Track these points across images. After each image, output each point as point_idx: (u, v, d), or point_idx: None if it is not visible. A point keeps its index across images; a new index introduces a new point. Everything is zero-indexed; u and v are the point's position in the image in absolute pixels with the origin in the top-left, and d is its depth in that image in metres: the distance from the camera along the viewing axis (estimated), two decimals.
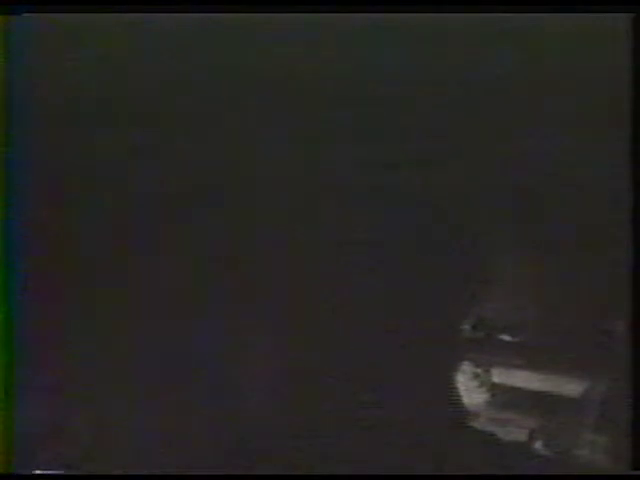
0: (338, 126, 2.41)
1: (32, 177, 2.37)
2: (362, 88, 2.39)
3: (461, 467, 2.22)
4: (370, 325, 2.41)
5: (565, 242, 2.35)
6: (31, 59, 2.35)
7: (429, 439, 2.29)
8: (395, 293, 2.43)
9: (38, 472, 2.30)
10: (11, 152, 2.30)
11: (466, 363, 2.45)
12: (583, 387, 2.32)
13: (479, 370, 2.44)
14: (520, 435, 2.36)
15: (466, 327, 2.46)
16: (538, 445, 2.35)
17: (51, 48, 2.40)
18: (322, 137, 2.43)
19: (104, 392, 2.43)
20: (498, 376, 2.43)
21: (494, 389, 2.43)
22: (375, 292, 2.44)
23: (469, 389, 2.44)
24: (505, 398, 2.42)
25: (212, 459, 2.31)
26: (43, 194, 2.42)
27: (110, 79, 2.43)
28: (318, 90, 2.39)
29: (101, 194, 2.50)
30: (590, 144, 2.28)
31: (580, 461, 2.27)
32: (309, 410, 2.37)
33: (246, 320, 2.48)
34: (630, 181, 2.12)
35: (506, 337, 2.43)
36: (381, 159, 2.44)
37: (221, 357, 2.44)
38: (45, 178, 2.43)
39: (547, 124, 2.34)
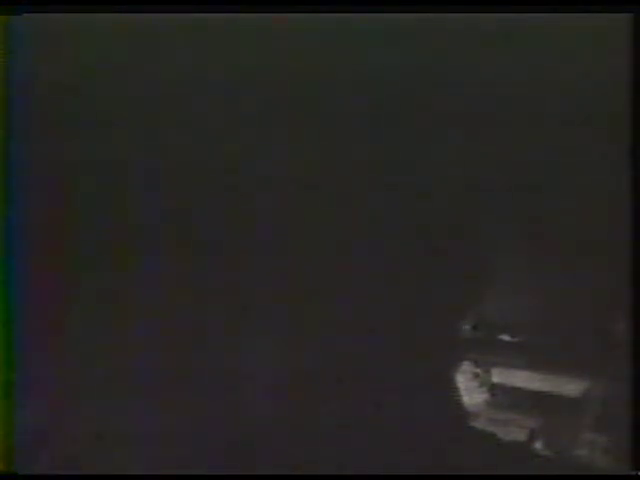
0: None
1: (32, 177, 2.37)
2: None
3: (461, 467, 2.22)
4: (370, 326, 2.42)
5: (565, 243, 2.36)
6: (31, 59, 2.35)
7: (429, 439, 2.29)
8: (395, 294, 2.44)
9: (38, 472, 2.30)
10: (11, 152, 2.30)
11: (466, 363, 2.45)
12: (583, 387, 2.32)
13: (479, 370, 2.44)
14: (520, 435, 2.36)
15: (466, 327, 2.46)
16: (538, 445, 2.35)
17: (51, 48, 2.41)
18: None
19: (104, 392, 2.43)
20: (498, 376, 2.43)
21: (494, 389, 2.43)
22: (375, 293, 2.44)
23: (469, 389, 2.44)
24: (505, 398, 2.42)
25: (212, 459, 2.32)
26: (43, 194, 2.42)
27: (109, 79, 2.43)
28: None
29: (101, 194, 2.50)
30: (590, 144, 2.28)
31: (580, 461, 2.27)
32: (309, 410, 2.37)
33: (247, 320, 2.48)
34: (630, 181, 2.12)
35: (506, 337, 2.44)
36: (383, 159, 2.44)
37: (223, 357, 2.45)
38: (45, 177, 2.43)
39: (547, 123, 2.34)
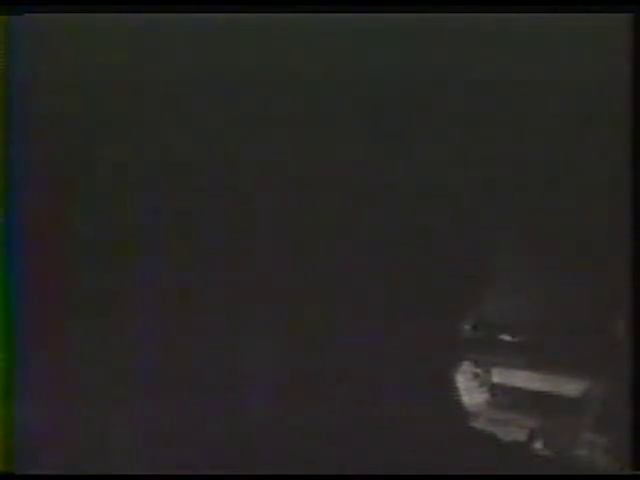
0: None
1: (32, 177, 2.37)
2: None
3: (461, 467, 2.22)
4: (370, 325, 2.42)
5: (565, 242, 2.36)
6: (31, 59, 2.35)
7: (429, 439, 2.29)
8: (395, 293, 2.44)
9: (38, 472, 2.29)
10: (11, 152, 2.30)
11: (466, 363, 2.45)
12: (583, 387, 2.32)
13: (479, 370, 2.44)
14: (520, 435, 2.36)
15: (466, 327, 2.46)
16: (538, 445, 2.35)
17: (51, 48, 2.40)
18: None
19: (104, 392, 2.43)
20: (498, 376, 2.43)
21: (494, 389, 2.43)
22: (375, 292, 2.44)
23: (469, 389, 2.44)
24: (505, 398, 2.42)
25: (212, 459, 2.32)
26: (43, 194, 2.42)
27: (110, 79, 2.43)
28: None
29: (101, 194, 2.50)
30: (590, 144, 2.28)
31: (580, 461, 2.27)
32: (309, 410, 2.37)
33: (247, 320, 2.48)
34: (630, 180, 2.12)
35: (506, 337, 2.44)
36: (384, 158, 2.44)
37: (223, 357, 2.45)
38: (45, 178, 2.42)
39: (547, 124, 2.34)
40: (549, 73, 2.30)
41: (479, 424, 2.41)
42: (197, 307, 2.48)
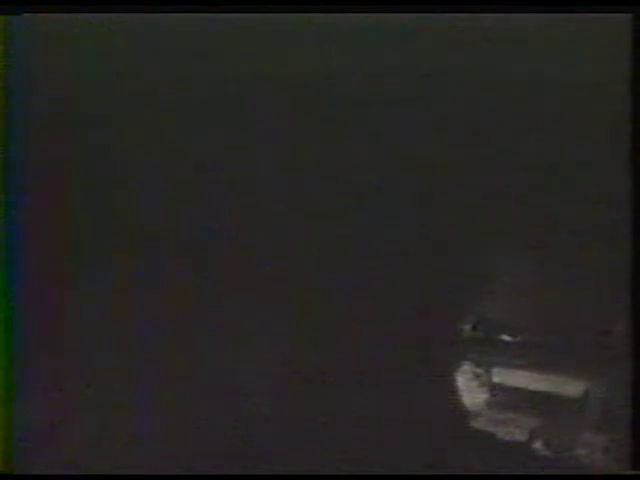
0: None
1: (32, 177, 2.37)
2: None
3: (461, 467, 2.22)
4: (370, 325, 2.42)
5: (565, 242, 2.36)
6: (31, 59, 2.35)
7: (429, 439, 2.29)
8: (395, 293, 2.44)
9: (38, 472, 2.29)
10: (11, 152, 2.30)
11: (466, 363, 2.45)
12: (583, 387, 2.32)
13: (479, 370, 2.44)
14: (520, 435, 2.36)
15: (466, 327, 2.46)
16: (538, 445, 2.35)
17: (51, 48, 2.41)
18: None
19: (104, 392, 2.43)
20: (498, 376, 2.43)
21: (494, 389, 2.43)
22: (375, 292, 2.44)
23: (469, 389, 2.44)
24: (505, 398, 2.42)
25: (213, 459, 2.32)
26: (43, 194, 2.42)
27: (109, 79, 2.43)
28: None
29: (101, 194, 2.50)
30: (590, 144, 2.29)
31: (580, 461, 2.27)
32: (309, 410, 2.37)
33: (247, 319, 2.48)
34: (630, 181, 2.12)
35: (506, 337, 2.44)
36: (382, 160, 2.45)
37: (223, 357, 2.45)
38: (45, 178, 2.43)
39: (547, 124, 2.34)
40: (549, 73, 2.30)
41: (479, 424, 2.41)
42: (198, 308, 2.48)
